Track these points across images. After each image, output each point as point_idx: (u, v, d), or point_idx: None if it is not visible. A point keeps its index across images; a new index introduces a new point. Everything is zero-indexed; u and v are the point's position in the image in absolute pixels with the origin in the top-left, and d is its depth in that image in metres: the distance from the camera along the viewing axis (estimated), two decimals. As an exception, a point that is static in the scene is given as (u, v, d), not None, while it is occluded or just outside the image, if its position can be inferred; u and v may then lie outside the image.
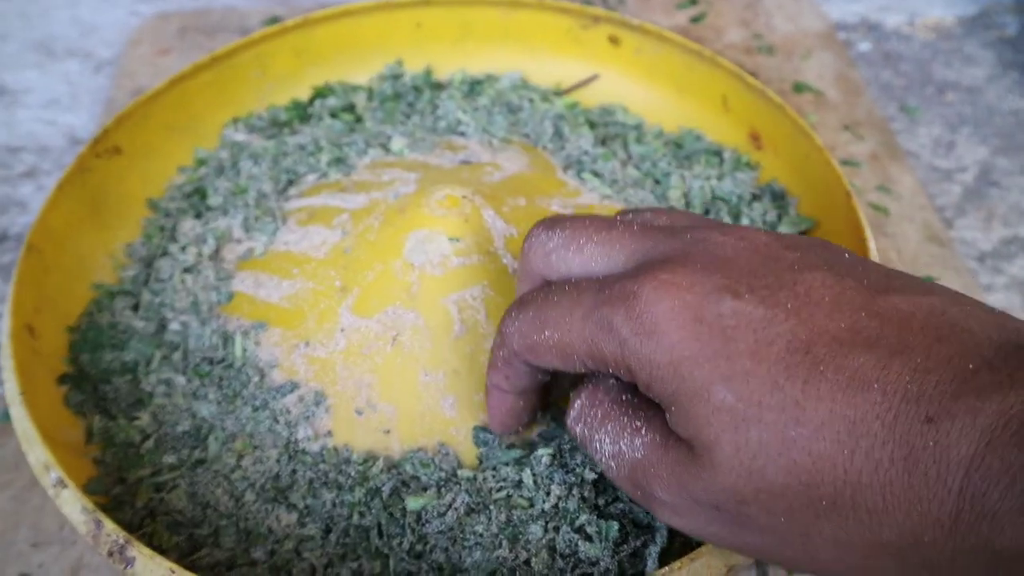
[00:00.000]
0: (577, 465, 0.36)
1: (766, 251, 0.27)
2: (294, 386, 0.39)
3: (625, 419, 0.28)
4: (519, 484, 0.36)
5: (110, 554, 0.31)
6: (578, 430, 0.30)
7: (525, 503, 0.35)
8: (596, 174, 0.49)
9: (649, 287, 0.26)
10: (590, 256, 0.30)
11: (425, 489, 0.36)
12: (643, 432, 0.28)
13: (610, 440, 0.29)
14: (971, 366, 0.22)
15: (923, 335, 0.23)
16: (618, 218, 0.31)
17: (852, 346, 0.23)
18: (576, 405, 0.31)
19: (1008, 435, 0.21)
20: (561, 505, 0.35)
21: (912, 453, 0.22)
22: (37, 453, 0.34)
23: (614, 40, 0.56)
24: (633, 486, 0.28)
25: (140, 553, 0.31)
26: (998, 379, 0.22)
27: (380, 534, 0.35)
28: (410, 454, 0.37)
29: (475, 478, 0.36)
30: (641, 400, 0.29)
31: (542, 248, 0.31)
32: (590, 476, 0.35)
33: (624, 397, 0.29)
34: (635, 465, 0.28)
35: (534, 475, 0.36)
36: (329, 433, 0.38)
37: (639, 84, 0.56)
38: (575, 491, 0.35)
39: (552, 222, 0.32)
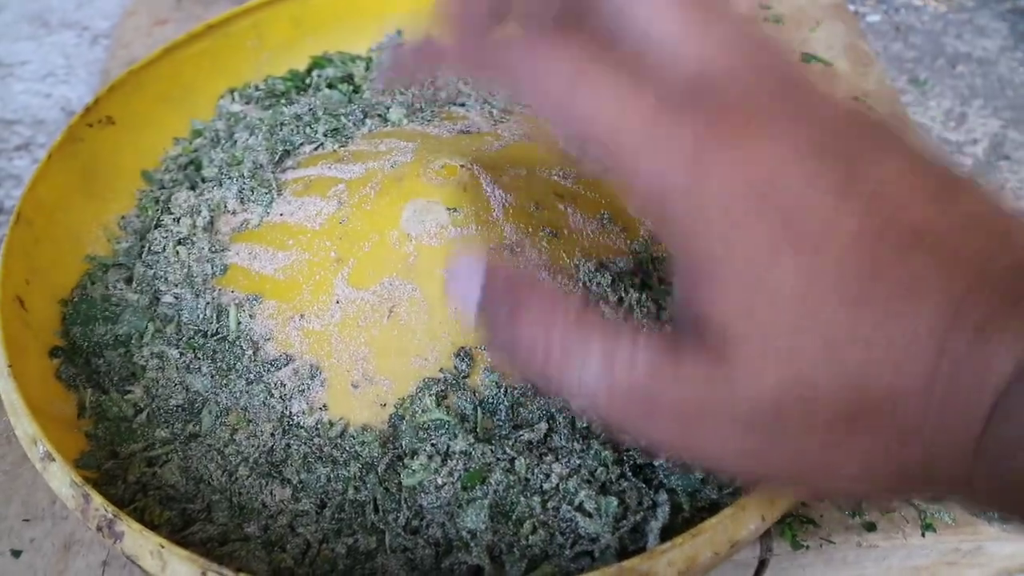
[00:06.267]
0: (588, 443, 0.35)
1: (846, 122, 0.24)
2: (289, 359, 0.39)
3: (611, 328, 0.24)
4: (515, 460, 0.35)
5: (99, 529, 0.31)
6: (538, 357, 0.24)
7: (523, 478, 0.34)
8: (599, 144, 0.48)
9: (718, 145, 0.23)
10: (666, 19, 0.25)
11: (422, 463, 0.35)
12: (642, 341, 0.23)
13: (598, 358, 0.23)
14: None
15: (987, 239, 0.22)
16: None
17: (916, 247, 0.22)
18: (525, 335, 0.24)
19: None
20: (561, 485, 0.34)
21: (958, 367, 0.21)
22: (24, 426, 0.33)
23: (618, 8, 0.55)
24: (634, 413, 0.24)
25: (129, 528, 0.30)
26: None
27: (376, 509, 0.35)
28: (406, 428, 0.36)
29: (472, 452, 0.35)
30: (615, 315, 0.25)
31: None
32: (605, 454, 0.34)
33: (594, 316, 0.24)
34: (636, 384, 0.23)
35: (536, 451, 0.35)
36: (324, 407, 0.37)
37: (643, 53, 0.55)
38: (581, 468, 0.34)
39: None
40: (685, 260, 0.24)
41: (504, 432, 0.36)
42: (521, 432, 0.36)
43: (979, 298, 0.21)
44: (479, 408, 0.36)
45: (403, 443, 0.36)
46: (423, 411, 0.36)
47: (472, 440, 0.35)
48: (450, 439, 0.36)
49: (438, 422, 0.36)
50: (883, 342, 0.21)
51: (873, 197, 0.22)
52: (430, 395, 0.36)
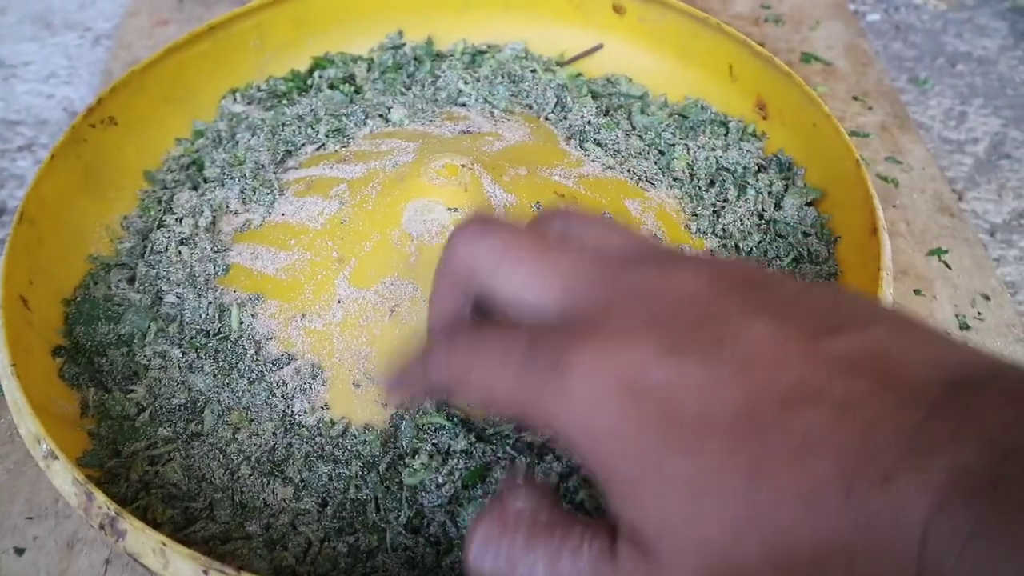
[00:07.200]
0: None
1: (706, 297, 0.24)
2: (291, 358, 0.39)
3: (558, 537, 0.26)
4: (515, 459, 0.35)
5: (101, 527, 0.31)
6: (487, 566, 0.26)
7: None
8: (599, 144, 0.48)
9: (580, 358, 0.24)
10: (521, 282, 0.27)
11: (423, 463, 0.35)
12: (585, 547, 0.25)
13: (544, 565, 0.25)
14: (919, 416, 0.21)
15: (868, 381, 0.22)
16: (551, 237, 0.29)
17: (798, 405, 0.22)
18: (479, 533, 0.27)
19: (958, 498, 0.20)
20: (561, 484, 0.34)
21: (872, 520, 0.20)
22: (27, 424, 0.33)
23: (618, 9, 0.55)
24: None
25: (131, 526, 0.30)
26: (945, 431, 0.20)
27: (377, 508, 0.35)
28: (407, 427, 0.36)
29: (473, 451, 0.35)
30: (561, 515, 0.27)
31: (470, 254, 0.28)
32: None
33: (542, 517, 0.26)
34: None
35: (536, 450, 0.35)
36: (326, 406, 0.38)
37: (644, 53, 0.55)
38: (580, 467, 0.34)
39: (482, 225, 0.28)
40: (591, 471, 0.25)
41: (506, 432, 0.36)
42: (523, 434, 0.36)
43: (874, 449, 0.21)
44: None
45: (404, 442, 0.36)
46: (424, 414, 0.36)
47: (473, 439, 0.35)
48: (451, 439, 0.36)
49: (439, 424, 0.36)
50: (790, 504, 0.21)
51: (743, 366, 0.22)
52: (431, 400, 0.36)
